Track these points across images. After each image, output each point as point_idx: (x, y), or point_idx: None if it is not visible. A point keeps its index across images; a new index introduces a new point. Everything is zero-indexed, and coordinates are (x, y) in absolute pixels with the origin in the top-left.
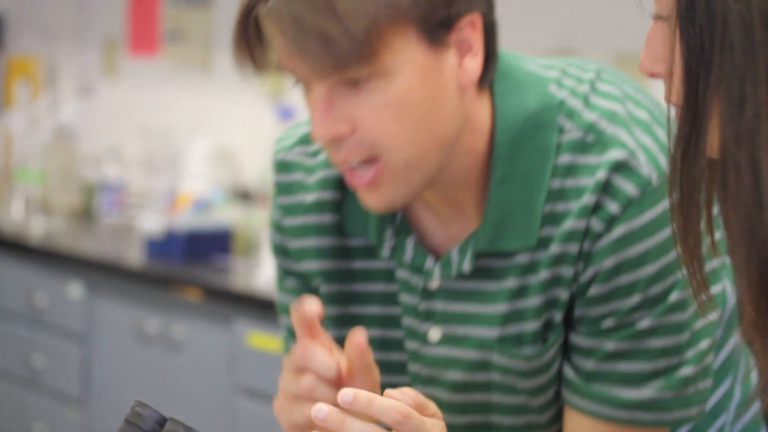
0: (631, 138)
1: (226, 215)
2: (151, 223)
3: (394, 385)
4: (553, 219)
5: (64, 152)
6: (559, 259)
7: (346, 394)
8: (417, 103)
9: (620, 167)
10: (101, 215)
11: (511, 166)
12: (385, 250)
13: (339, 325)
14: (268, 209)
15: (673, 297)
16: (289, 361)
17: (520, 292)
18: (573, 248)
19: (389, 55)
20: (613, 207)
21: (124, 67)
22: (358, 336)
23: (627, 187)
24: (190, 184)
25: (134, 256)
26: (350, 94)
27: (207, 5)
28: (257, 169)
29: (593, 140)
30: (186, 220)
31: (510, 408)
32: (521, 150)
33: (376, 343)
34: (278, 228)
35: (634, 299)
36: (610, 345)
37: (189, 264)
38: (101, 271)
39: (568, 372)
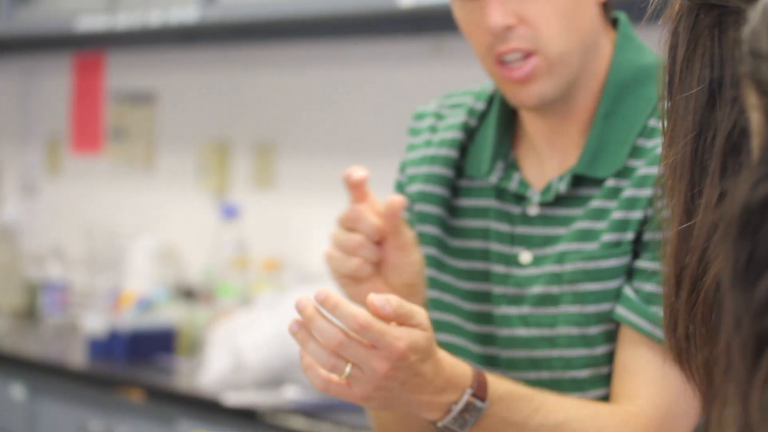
0: None
1: (170, 314)
2: (95, 322)
3: (476, 314)
4: (641, 152)
5: (6, 251)
6: (640, 182)
7: (320, 293)
8: (569, 2)
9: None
10: (45, 315)
11: (616, 105)
12: (494, 178)
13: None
14: (212, 307)
15: None
16: (343, 218)
17: (601, 213)
18: (654, 172)
19: None
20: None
21: (67, 165)
22: (395, 198)
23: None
24: (133, 283)
25: (77, 356)
26: None
27: (150, 103)
28: (201, 267)
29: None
30: (129, 319)
31: (572, 320)
32: (628, 93)
33: (465, 274)
34: (402, 167)
35: None
36: None
37: (132, 364)
38: (44, 372)
39: (629, 292)
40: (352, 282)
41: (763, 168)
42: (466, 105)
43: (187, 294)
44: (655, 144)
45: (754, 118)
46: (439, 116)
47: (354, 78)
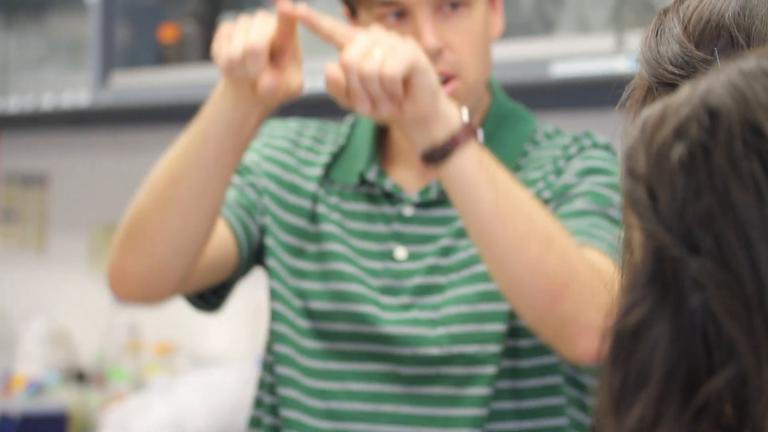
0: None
1: (62, 398)
2: None
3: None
4: (520, 169)
5: None
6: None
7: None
8: (483, 34)
9: (585, 134)
10: None
11: (497, 131)
12: (371, 175)
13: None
14: (105, 390)
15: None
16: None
17: None
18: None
19: None
20: (579, 145)
21: None
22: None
23: (588, 141)
24: (24, 366)
25: None
26: (444, 18)
27: (42, 185)
28: (93, 350)
29: (556, 133)
30: (20, 403)
31: (462, 299)
32: (506, 124)
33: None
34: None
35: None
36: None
37: None
38: None
39: None
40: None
41: (637, 292)
42: (331, 131)
43: (79, 377)
44: (527, 162)
45: (635, 236)
46: (299, 133)
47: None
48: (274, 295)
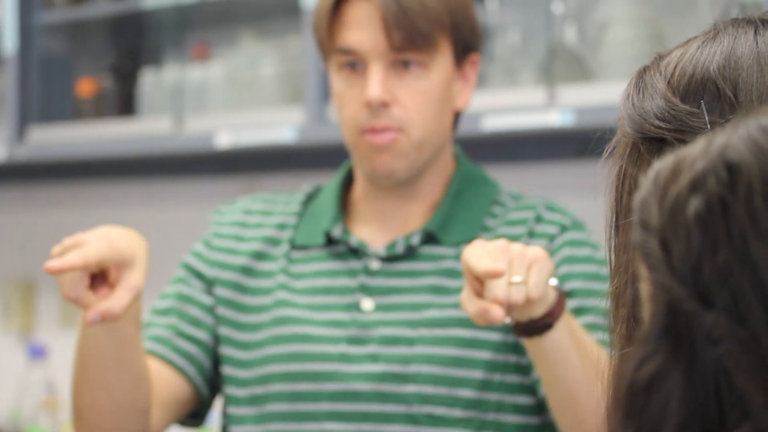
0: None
1: None
2: None
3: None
4: (488, 230)
5: None
6: None
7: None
8: (437, 99)
9: (549, 206)
10: None
11: (463, 191)
12: (336, 232)
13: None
14: None
15: None
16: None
17: (455, 273)
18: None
19: (435, 52)
20: (544, 228)
21: None
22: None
23: (555, 217)
24: None
25: None
26: (397, 75)
27: None
28: (8, 409)
29: (523, 196)
30: None
31: (433, 360)
32: (472, 186)
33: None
34: (207, 244)
35: None
36: None
37: None
38: None
39: None
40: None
41: (650, 345)
42: (281, 201)
43: None
44: (497, 224)
45: (644, 288)
46: (248, 211)
47: (164, 217)
48: (226, 381)
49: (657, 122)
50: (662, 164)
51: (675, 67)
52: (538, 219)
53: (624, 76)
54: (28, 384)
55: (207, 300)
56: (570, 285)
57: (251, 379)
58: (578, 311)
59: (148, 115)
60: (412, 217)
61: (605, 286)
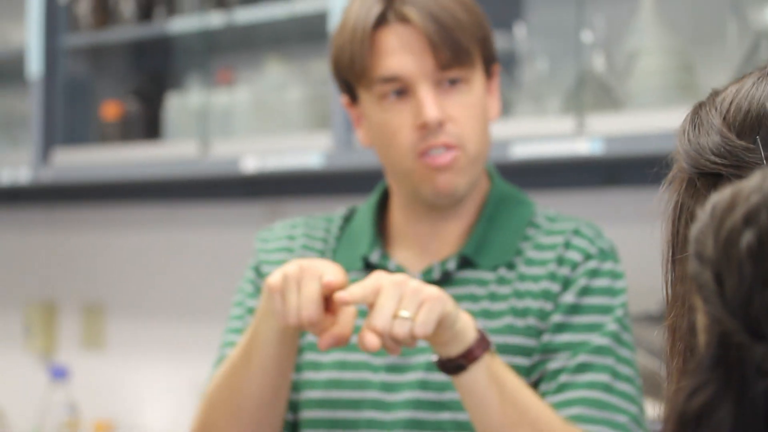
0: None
1: None
2: None
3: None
4: (522, 253)
5: None
6: (522, 278)
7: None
8: (483, 111)
9: (578, 231)
10: None
11: (497, 212)
12: (374, 258)
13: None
14: None
15: None
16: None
17: (497, 297)
18: (531, 271)
19: (475, 67)
20: (571, 255)
21: None
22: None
23: (582, 243)
24: None
25: None
26: (444, 93)
27: None
28: (29, 429)
29: (558, 218)
30: None
31: None
32: (505, 207)
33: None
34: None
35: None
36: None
37: None
38: None
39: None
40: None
41: (702, 375)
42: (321, 226)
43: None
44: (527, 247)
45: (699, 319)
46: (291, 237)
47: (187, 240)
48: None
49: (713, 158)
50: (719, 197)
51: (731, 103)
52: (567, 245)
53: (653, 106)
54: (50, 405)
55: None
56: (578, 319)
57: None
58: (578, 345)
59: (173, 139)
60: (449, 239)
61: (611, 318)
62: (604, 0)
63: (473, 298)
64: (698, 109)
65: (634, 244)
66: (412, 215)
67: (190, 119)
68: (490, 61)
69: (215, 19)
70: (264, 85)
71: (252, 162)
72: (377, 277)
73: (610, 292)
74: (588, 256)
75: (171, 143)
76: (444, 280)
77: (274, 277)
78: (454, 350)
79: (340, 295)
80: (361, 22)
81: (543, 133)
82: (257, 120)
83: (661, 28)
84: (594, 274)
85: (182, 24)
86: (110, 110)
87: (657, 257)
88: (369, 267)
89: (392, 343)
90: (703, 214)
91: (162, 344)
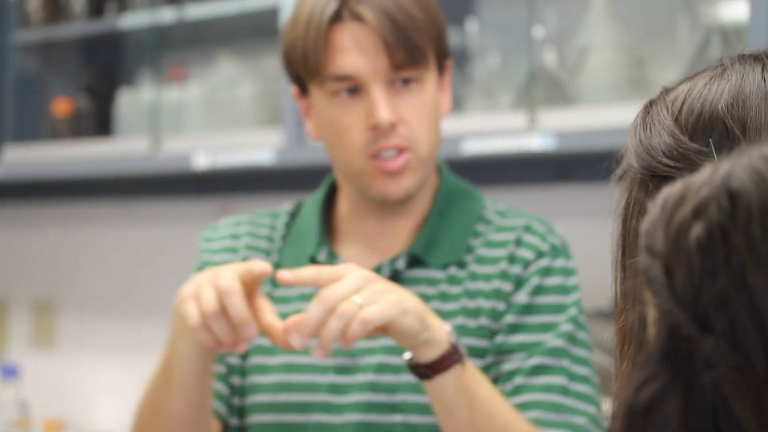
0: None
1: None
2: None
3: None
4: (472, 250)
5: None
6: (473, 276)
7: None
8: (435, 109)
9: (529, 227)
10: None
11: (447, 208)
12: (321, 257)
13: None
14: None
15: None
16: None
17: (448, 297)
18: (481, 270)
19: (428, 66)
20: (523, 253)
21: None
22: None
23: (533, 240)
24: None
25: None
26: (397, 93)
27: None
28: None
29: (508, 212)
30: None
31: (419, 388)
32: (455, 201)
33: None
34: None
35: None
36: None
37: None
38: None
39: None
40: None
41: (650, 368)
42: (266, 223)
43: None
44: (478, 244)
45: (649, 313)
46: (235, 236)
47: (138, 237)
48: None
49: (665, 160)
50: (670, 191)
51: (683, 104)
52: (518, 242)
53: (604, 102)
54: (0, 403)
55: None
56: (531, 319)
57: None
58: (532, 346)
59: (124, 136)
60: (399, 236)
61: (565, 317)
62: None
63: (424, 297)
64: (649, 108)
65: (586, 240)
66: (361, 211)
67: (141, 115)
68: (443, 56)
69: (166, 15)
70: (215, 81)
71: (203, 158)
72: (347, 267)
73: (563, 290)
74: (540, 254)
75: (122, 140)
76: (393, 280)
77: (184, 289)
78: (423, 357)
79: (284, 274)
80: (316, 19)
81: (494, 129)
82: (209, 116)
83: (612, 24)
84: (546, 272)
85: (133, 20)
86: (61, 107)
87: (609, 253)
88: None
89: (334, 325)
90: (654, 207)
91: (113, 342)
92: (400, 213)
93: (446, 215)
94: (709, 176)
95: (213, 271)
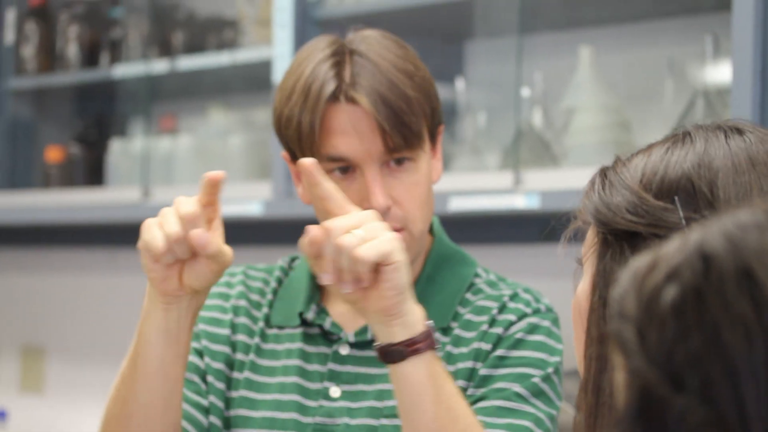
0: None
1: None
2: None
3: None
4: (459, 317)
5: None
6: (457, 342)
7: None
8: (427, 186)
9: (515, 296)
10: None
11: (437, 272)
12: (309, 315)
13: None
14: None
15: None
16: (187, 213)
17: None
18: (465, 335)
19: (423, 143)
20: (505, 316)
21: None
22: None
23: (517, 305)
24: None
25: None
26: (391, 174)
27: None
28: None
29: (499, 284)
30: None
31: None
32: (447, 267)
33: (273, 404)
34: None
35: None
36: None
37: None
38: None
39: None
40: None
41: (622, 428)
42: (259, 278)
43: None
44: (465, 312)
45: (618, 378)
46: (229, 284)
47: (128, 284)
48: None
49: (629, 216)
50: (640, 260)
51: (644, 168)
52: (502, 308)
53: (589, 163)
54: None
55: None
56: (505, 370)
57: None
58: (497, 392)
59: (115, 184)
60: None
61: (543, 373)
62: (543, 56)
63: None
64: (605, 172)
65: (569, 300)
66: None
67: (132, 164)
68: (436, 125)
69: (159, 66)
70: (206, 132)
71: None
72: (365, 212)
73: (545, 348)
74: (523, 315)
75: (113, 188)
76: (370, 344)
77: (148, 220)
78: (398, 336)
79: (308, 161)
80: (312, 99)
81: (481, 188)
82: (199, 166)
83: (599, 85)
84: (531, 329)
85: (126, 70)
86: (53, 154)
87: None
88: (305, 323)
89: (330, 258)
90: (625, 274)
91: (101, 388)
92: None
93: (435, 280)
94: (680, 245)
95: (176, 200)
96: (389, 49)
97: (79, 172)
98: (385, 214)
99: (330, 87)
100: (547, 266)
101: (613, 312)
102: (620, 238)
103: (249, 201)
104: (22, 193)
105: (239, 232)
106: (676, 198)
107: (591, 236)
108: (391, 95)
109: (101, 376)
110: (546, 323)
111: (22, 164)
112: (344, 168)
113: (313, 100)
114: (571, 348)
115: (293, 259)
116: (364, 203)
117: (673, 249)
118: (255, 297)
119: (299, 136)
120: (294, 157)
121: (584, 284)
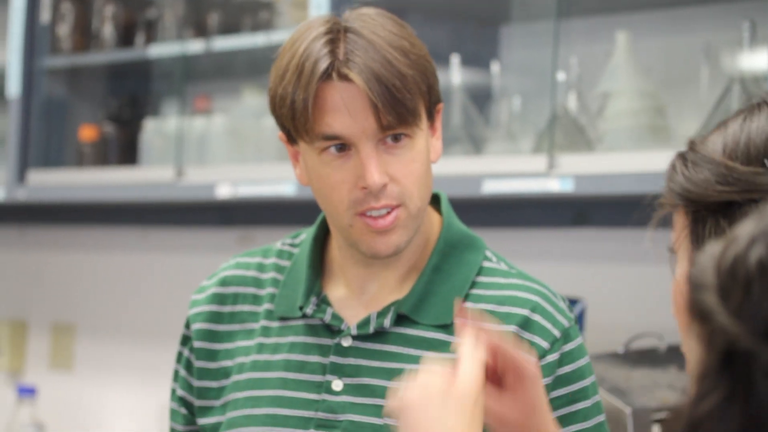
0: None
1: None
2: None
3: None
4: (468, 298)
5: None
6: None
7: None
8: (425, 162)
9: (538, 308)
10: None
11: (444, 262)
12: (308, 310)
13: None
14: None
15: None
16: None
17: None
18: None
19: (419, 121)
20: (532, 337)
21: None
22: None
23: (545, 325)
24: None
25: None
26: (387, 151)
27: None
28: None
29: (510, 270)
30: None
31: None
32: (454, 254)
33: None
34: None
35: None
36: None
37: None
38: None
39: None
40: None
41: (708, 382)
42: (252, 267)
43: None
44: (475, 297)
45: (693, 348)
46: (222, 302)
47: (159, 263)
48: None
49: (720, 187)
50: (714, 244)
51: (724, 142)
52: (526, 324)
53: (623, 147)
54: (17, 424)
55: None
56: (578, 426)
57: None
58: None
59: (149, 164)
60: (387, 284)
61: (599, 405)
62: (579, 42)
63: (408, 358)
64: (683, 155)
65: (601, 283)
66: (349, 257)
67: (166, 144)
68: (434, 103)
69: (194, 46)
70: (240, 113)
71: (226, 189)
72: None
73: (593, 390)
74: (554, 340)
75: (146, 167)
76: (379, 336)
77: None
78: None
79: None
80: (305, 77)
81: (515, 171)
82: (232, 147)
83: (635, 70)
84: (570, 358)
85: (161, 50)
86: (87, 133)
87: (623, 296)
88: (306, 316)
89: None
90: (701, 256)
91: (130, 366)
92: (391, 263)
93: (442, 270)
94: (756, 221)
95: None
96: (385, 26)
97: (113, 151)
98: (380, 191)
99: (323, 65)
100: (580, 250)
101: (691, 286)
102: (714, 212)
103: (282, 182)
104: (55, 172)
105: (272, 212)
106: (766, 161)
107: (680, 220)
108: (385, 72)
109: (131, 354)
110: (575, 343)
111: (56, 143)
112: (340, 146)
113: (306, 78)
114: (595, 333)
115: (296, 236)
116: (359, 182)
117: (750, 224)
118: (251, 290)
119: (293, 114)
120: (290, 138)
121: (681, 268)
